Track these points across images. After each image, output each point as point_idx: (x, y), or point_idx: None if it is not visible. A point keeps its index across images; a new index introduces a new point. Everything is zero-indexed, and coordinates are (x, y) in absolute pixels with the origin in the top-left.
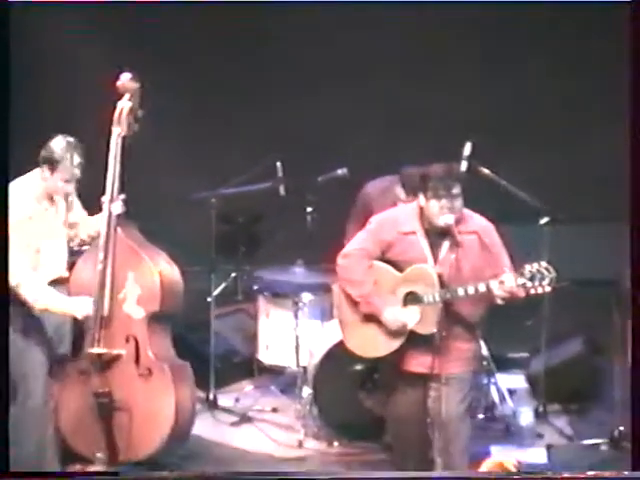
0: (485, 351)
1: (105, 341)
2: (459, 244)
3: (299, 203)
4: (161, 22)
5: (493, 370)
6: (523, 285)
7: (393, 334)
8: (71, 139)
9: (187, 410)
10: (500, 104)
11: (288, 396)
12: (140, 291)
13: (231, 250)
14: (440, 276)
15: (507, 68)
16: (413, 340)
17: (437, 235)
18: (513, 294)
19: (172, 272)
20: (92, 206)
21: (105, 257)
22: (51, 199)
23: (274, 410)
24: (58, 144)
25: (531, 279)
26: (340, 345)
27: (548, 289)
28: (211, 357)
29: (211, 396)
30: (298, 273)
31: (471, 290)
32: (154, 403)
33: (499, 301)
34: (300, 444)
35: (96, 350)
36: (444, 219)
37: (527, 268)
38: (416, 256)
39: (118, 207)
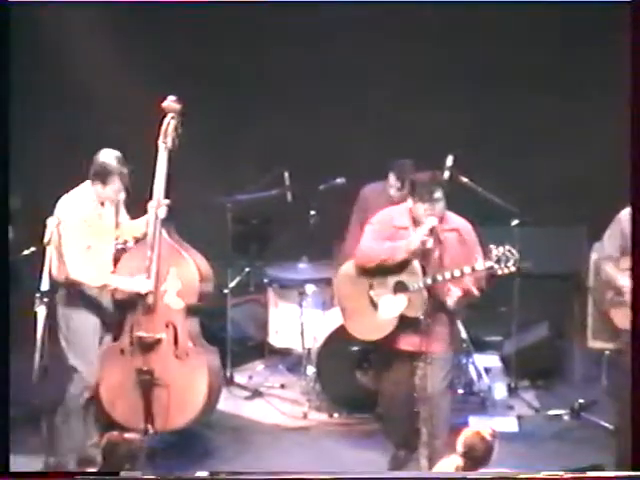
0: (464, 334)
1: (148, 326)
2: (441, 241)
3: (303, 208)
4: (180, 37)
5: (471, 351)
6: (491, 268)
7: (387, 321)
8: (118, 153)
9: (216, 387)
10: (480, 121)
11: (294, 374)
12: (181, 286)
13: (245, 248)
14: (423, 267)
15: (489, 91)
16: (403, 324)
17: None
18: (479, 280)
19: (208, 270)
20: (132, 210)
21: (151, 254)
22: (102, 204)
23: (282, 386)
24: (108, 159)
25: (497, 261)
26: (339, 330)
27: (513, 269)
28: (228, 341)
29: (228, 374)
30: (302, 268)
31: (447, 275)
32: (189, 381)
33: (476, 292)
34: (305, 415)
35: (141, 334)
36: (429, 222)
37: (494, 252)
38: None
39: (163, 211)
